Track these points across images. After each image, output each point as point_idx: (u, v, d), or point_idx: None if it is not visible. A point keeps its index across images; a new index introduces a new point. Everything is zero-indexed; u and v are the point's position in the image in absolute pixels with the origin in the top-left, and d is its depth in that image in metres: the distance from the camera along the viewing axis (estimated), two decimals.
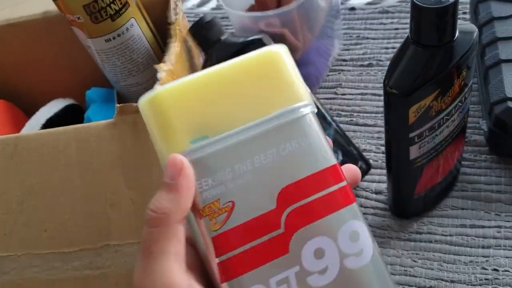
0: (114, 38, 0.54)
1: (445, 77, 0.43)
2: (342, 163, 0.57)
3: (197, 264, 0.29)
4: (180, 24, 0.54)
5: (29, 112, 0.69)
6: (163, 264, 0.26)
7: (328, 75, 0.74)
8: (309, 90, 0.29)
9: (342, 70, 0.74)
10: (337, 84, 0.72)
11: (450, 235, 0.54)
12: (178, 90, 0.29)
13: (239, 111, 0.29)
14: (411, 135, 0.46)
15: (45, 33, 0.64)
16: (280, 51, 0.30)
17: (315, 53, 0.69)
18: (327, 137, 0.30)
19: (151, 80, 0.55)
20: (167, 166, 0.27)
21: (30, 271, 0.44)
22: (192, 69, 0.56)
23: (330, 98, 0.71)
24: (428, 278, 0.52)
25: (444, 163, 0.52)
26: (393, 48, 0.74)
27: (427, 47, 0.43)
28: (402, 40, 0.73)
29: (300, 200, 0.28)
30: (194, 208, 0.28)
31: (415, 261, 0.54)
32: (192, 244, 0.29)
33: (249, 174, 0.28)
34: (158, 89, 0.29)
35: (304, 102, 0.30)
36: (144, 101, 0.29)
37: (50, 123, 0.59)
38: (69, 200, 0.43)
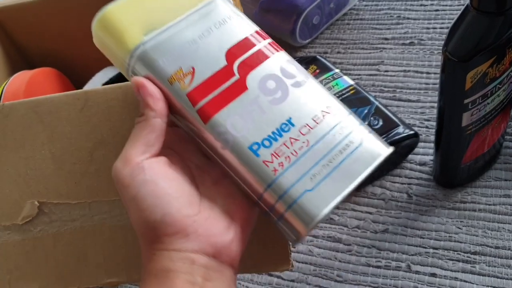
0: None
1: (502, 44, 0.45)
2: (382, 128, 0.60)
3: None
4: None
5: (75, 81, 0.71)
6: (129, 145, 0.35)
7: (370, 53, 0.75)
8: None
9: (384, 48, 0.75)
10: (379, 61, 0.74)
11: (494, 205, 0.56)
12: (122, 4, 0.36)
13: (174, 7, 0.37)
14: (466, 101, 0.48)
15: (98, 2, 0.66)
16: None
17: None
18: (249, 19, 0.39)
19: None
20: (133, 87, 0.35)
21: (99, 218, 0.46)
22: None
23: (373, 75, 0.72)
24: (473, 244, 0.54)
25: (491, 134, 0.54)
26: (434, 28, 0.75)
27: (486, 14, 0.44)
28: (443, 21, 0.75)
29: (243, 54, 0.36)
30: (165, 81, 0.36)
31: (459, 228, 0.55)
32: (172, 124, 0.37)
33: (197, 46, 0.36)
34: (103, 9, 0.36)
35: None
36: (97, 20, 0.37)
37: None
38: None
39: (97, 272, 0.46)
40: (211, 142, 0.35)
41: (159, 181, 0.33)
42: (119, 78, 0.65)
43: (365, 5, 0.83)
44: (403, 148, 0.62)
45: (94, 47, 0.69)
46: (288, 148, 0.34)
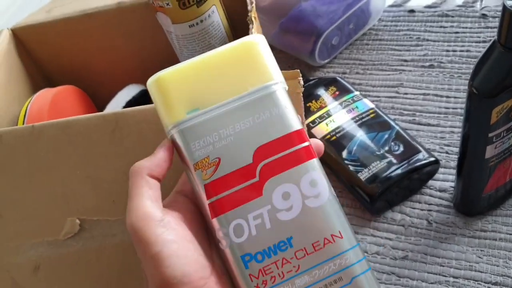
0: (197, 24, 0.57)
1: None
2: (403, 154, 0.60)
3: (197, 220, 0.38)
4: (254, 12, 0.57)
5: (96, 98, 0.72)
6: (138, 201, 0.35)
7: (389, 74, 0.75)
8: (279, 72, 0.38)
9: (403, 70, 0.75)
10: (399, 83, 0.74)
11: None
12: (177, 73, 0.37)
13: (223, 88, 0.37)
14: (490, 134, 0.48)
15: (118, 23, 0.67)
16: (257, 40, 0.38)
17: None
18: (297, 113, 0.37)
19: None
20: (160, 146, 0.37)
21: None
22: None
23: (392, 97, 0.73)
24: (494, 274, 0.54)
25: None
26: (454, 51, 0.76)
27: None
28: (463, 43, 0.76)
29: (272, 156, 0.36)
30: (190, 165, 0.36)
31: (480, 257, 0.55)
32: (191, 199, 0.38)
33: (231, 137, 0.36)
34: (161, 71, 0.37)
35: (275, 81, 0.37)
36: (150, 81, 0.37)
37: (129, 106, 0.62)
38: None
39: (140, 284, 0.47)
40: (215, 234, 0.36)
41: (181, 241, 0.35)
42: (142, 96, 0.65)
43: (384, 26, 0.83)
44: (423, 174, 0.62)
45: (113, 66, 0.70)
46: (278, 268, 0.35)
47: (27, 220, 0.50)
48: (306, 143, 0.36)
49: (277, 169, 0.35)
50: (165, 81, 0.37)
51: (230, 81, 0.37)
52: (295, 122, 0.37)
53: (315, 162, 0.36)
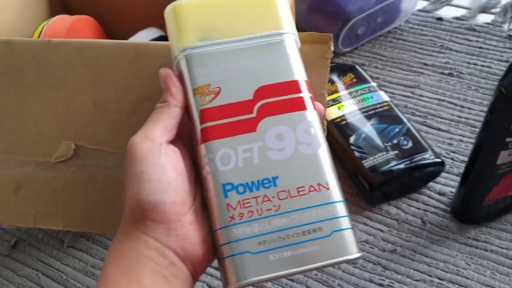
0: None
1: None
2: (411, 150, 0.59)
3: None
4: None
5: (113, 35, 0.70)
6: (150, 125, 0.35)
7: (407, 74, 0.75)
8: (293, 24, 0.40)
9: (422, 73, 0.75)
10: (416, 84, 0.73)
11: (507, 249, 0.56)
12: (195, 3, 0.38)
13: (237, 26, 0.38)
14: (508, 139, 0.47)
15: None
16: None
17: None
18: (304, 66, 0.38)
19: None
20: (160, 77, 0.38)
21: None
22: None
23: (407, 96, 0.72)
24: (479, 283, 0.53)
25: None
26: (475, 64, 0.75)
27: None
28: (485, 59, 0.75)
29: (272, 97, 0.36)
30: (190, 90, 0.37)
31: (468, 264, 0.55)
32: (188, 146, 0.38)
33: (236, 72, 0.36)
34: (179, 1, 0.38)
35: (286, 31, 0.38)
36: (168, 8, 0.38)
37: None
38: None
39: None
40: (200, 160, 0.36)
41: (169, 169, 0.34)
42: (161, 39, 0.64)
43: (410, 27, 0.82)
44: (426, 174, 0.61)
45: (136, 4, 0.68)
46: (257, 204, 0.34)
47: (22, 134, 0.48)
48: (307, 94, 0.37)
49: (275, 110, 0.36)
50: (182, 8, 0.38)
51: (245, 21, 0.38)
52: (300, 72, 0.37)
53: (314, 114, 0.37)
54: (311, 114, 0.36)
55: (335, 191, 0.35)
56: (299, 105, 0.36)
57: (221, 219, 0.34)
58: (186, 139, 0.38)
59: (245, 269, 0.33)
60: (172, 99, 0.36)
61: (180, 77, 0.37)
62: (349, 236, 0.34)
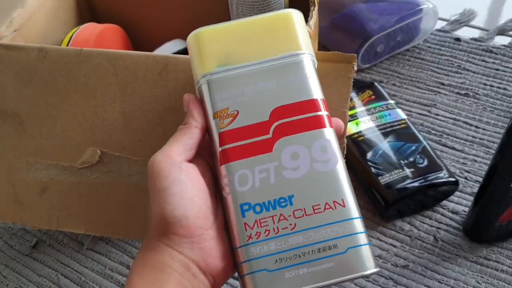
0: None
1: None
2: (426, 168, 0.60)
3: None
4: None
5: (139, 46, 0.72)
6: (171, 144, 0.37)
7: (424, 93, 0.76)
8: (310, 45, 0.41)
9: (439, 93, 0.76)
10: (432, 103, 0.75)
11: None
12: (215, 30, 0.40)
13: (255, 50, 0.39)
14: None
15: None
16: (295, 13, 0.40)
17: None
18: (320, 85, 0.39)
19: None
20: (183, 101, 0.40)
21: None
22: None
23: (423, 115, 0.73)
24: None
25: None
26: (491, 86, 0.76)
27: None
28: (501, 81, 0.76)
29: (288, 117, 0.37)
30: (210, 114, 0.38)
31: (479, 283, 0.56)
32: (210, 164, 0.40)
33: (253, 94, 0.38)
34: (202, 27, 0.40)
35: (303, 51, 0.39)
36: (191, 35, 0.40)
37: None
38: None
39: (143, 227, 0.47)
40: (221, 181, 0.37)
41: (190, 185, 0.36)
42: (186, 51, 0.66)
43: (428, 47, 0.84)
44: (439, 193, 0.62)
45: (164, 17, 0.69)
46: (274, 223, 0.35)
47: (50, 139, 0.50)
48: (323, 112, 0.38)
49: (290, 130, 0.37)
50: (203, 36, 0.40)
51: (262, 45, 0.39)
52: (316, 91, 0.38)
53: (330, 131, 0.37)
54: (327, 132, 0.37)
55: (351, 208, 0.36)
56: (315, 123, 0.37)
57: (239, 238, 0.36)
58: (209, 158, 0.40)
59: (262, 287, 0.35)
60: (193, 120, 0.38)
61: (202, 101, 0.39)
62: (364, 251, 0.35)
